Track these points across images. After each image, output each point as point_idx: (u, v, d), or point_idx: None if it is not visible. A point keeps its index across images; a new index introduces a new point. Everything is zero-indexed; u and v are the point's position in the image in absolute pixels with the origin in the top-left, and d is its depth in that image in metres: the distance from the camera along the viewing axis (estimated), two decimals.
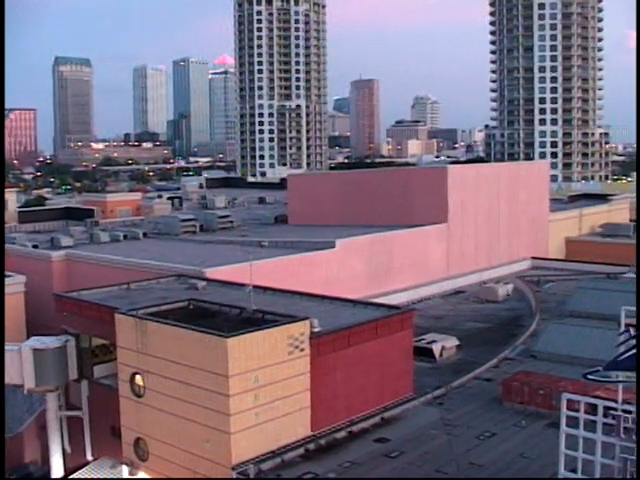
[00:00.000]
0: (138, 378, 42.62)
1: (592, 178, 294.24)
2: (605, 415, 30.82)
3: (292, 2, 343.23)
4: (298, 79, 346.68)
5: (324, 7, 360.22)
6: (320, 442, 40.26)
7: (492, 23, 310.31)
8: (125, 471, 43.81)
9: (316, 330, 40.95)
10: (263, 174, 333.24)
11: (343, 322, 44.64)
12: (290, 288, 54.31)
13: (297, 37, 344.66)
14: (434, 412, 45.28)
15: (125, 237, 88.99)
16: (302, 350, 39.92)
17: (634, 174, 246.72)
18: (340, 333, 42.69)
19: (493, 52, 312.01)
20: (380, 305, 52.12)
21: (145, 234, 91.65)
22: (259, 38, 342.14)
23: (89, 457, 47.70)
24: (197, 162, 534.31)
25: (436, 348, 57.26)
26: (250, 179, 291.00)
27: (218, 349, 37.34)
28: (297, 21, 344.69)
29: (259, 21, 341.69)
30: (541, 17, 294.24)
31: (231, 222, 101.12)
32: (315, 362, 40.46)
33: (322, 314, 44.70)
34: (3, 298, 51.40)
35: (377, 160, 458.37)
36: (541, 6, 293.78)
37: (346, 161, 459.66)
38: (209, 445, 38.10)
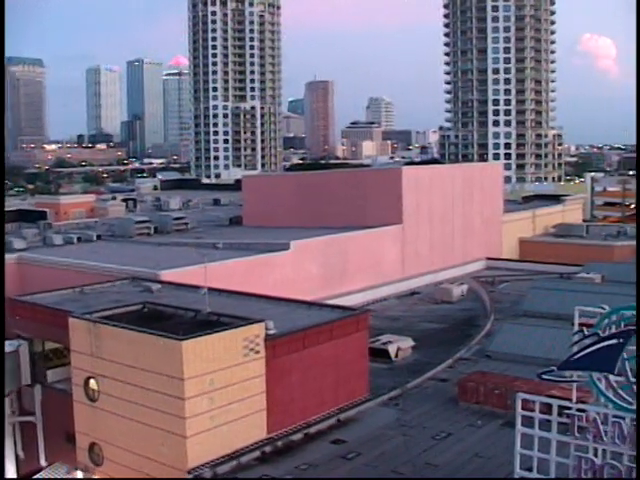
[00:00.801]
0: (92, 382, 42.19)
1: (545, 179, 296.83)
2: (560, 414, 31.05)
3: (247, 3, 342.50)
4: (253, 80, 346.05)
5: (279, 8, 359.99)
6: (276, 444, 40.14)
7: (446, 25, 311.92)
8: (80, 476, 43.34)
9: (271, 332, 40.84)
10: (218, 175, 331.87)
11: (298, 324, 44.55)
12: (245, 290, 54.11)
13: (252, 38, 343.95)
14: (390, 413, 45.33)
15: (79, 239, 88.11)
16: (257, 352, 39.77)
17: (586, 175, 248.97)
18: (295, 335, 42.62)
19: (447, 54, 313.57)
20: (335, 307, 52.13)
21: (99, 236, 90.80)
22: (213, 39, 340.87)
23: (43, 463, 47.12)
24: (151, 163, 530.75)
25: (392, 349, 57.33)
26: (205, 180, 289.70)
27: (173, 352, 37.09)
28: (252, 22, 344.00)
29: (213, 22, 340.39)
30: (495, 19, 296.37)
31: (186, 224, 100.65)
32: (271, 364, 40.33)
33: (277, 316, 44.57)
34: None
35: (332, 161, 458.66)
36: (495, 8, 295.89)
37: (301, 162, 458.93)
38: (164, 449, 37.82)
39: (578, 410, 30.75)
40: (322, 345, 43.77)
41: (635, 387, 29.68)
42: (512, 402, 36.51)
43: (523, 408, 32.02)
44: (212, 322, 42.13)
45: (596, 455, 30.28)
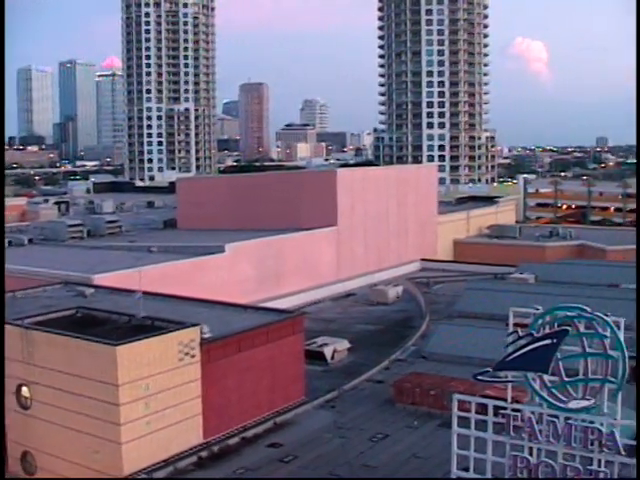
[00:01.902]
0: (24, 390, 41.46)
1: (479, 181, 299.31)
2: (495, 414, 31.28)
3: (181, 5, 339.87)
4: (187, 82, 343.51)
5: (213, 10, 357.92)
6: (213, 449, 39.88)
7: (381, 28, 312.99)
8: None
9: (207, 336, 40.56)
10: (152, 178, 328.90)
11: (234, 327, 44.38)
12: (180, 294, 53.70)
13: (186, 40, 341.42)
14: (327, 415, 45.32)
15: (10, 243, 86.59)
16: (193, 357, 39.47)
17: (519, 176, 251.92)
18: (231, 339, 42.42)
19: (382, 56, 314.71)
20: (271, 310, 52.03)
21: (31, 240, 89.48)
22: (147, 40, 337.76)
23: None
24: (84, 166, 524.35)
25: (327, 351, 57.35)
26: (138, 183, 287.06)
27: (107, 357, 36.62)
28: (186, 23, 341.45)
29: (147, 23, 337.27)
30: (429, 23, 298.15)
31: (119, 227, 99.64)
32: (206, 368, 40.06)
33: (213, 320, 44.30)
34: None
35: (267, 163, 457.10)
36: (429, 12, 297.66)
37: (235, 164, 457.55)
38: (99, 456, 37.30)
39: (513, 410, 31.02)
40: (258, 348, 43.63)
41: (569, 387, 30.05)
42: (448, 403, 36.71)
43: (459, 409, 32.20)
44: (147, 327, 41.69)
45: (531, 454, 30.59)
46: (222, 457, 39.49)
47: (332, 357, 57.46)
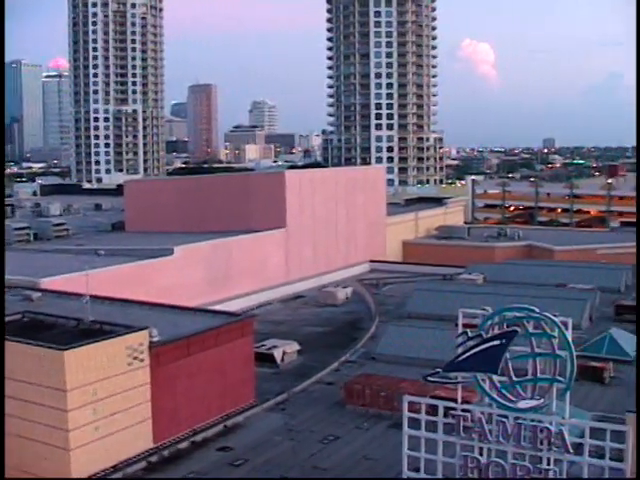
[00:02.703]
0: None
1: (427, 182, 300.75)
2: (445, 415, 31.43)
3: (129, 5, 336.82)
4: (135, 83, 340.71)
5: (161, 10, 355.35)
6: (163, 454, 39.57)
7: (329, 29, 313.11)
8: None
9: (155, 340, 40.21)
10: (99, 180, 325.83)
11: (183, 331, 44.02)
12: (128, 297, 53.24)
13: (134, 40, 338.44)
14: (277, 418, 45.22)
15: None
16: (142, 361, 39.11)
17: (467, 177, 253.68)
18: (180, 342, 42.10)
19: (330, 58, 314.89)
20: (220, 312, 51.80)
21: None
22: (94, 41, 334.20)
23: None
24: (30, 168, 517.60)
25: (277, 353, 57.21)
26: (86, 185, 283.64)
27: (54, 362, 36.15)
28: (134, 24, 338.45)
29: (94, 23, 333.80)
30: (377, 24, 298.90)
31: (66, 230, 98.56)
32: (155, 372, 39.72)
33: (161, 323, 43.91)
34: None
35: (215, 165, 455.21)
36: (377, 14, 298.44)
37: (184, 166, 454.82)
38: (47, 463, 36.78)
39: (463, 410, 31.18)
40: (207, 351, 43.37)
41: (518, 387, 30.28)
42: (398, 404, 36.83)
43: (409, 410, 32.31)
44: (95, 331, 41.23)
45: (481, 454, 30.80)
46: (172, 462, 39.23)
47: (282, 359, 57.32)
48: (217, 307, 62.86)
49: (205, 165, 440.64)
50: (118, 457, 37.86)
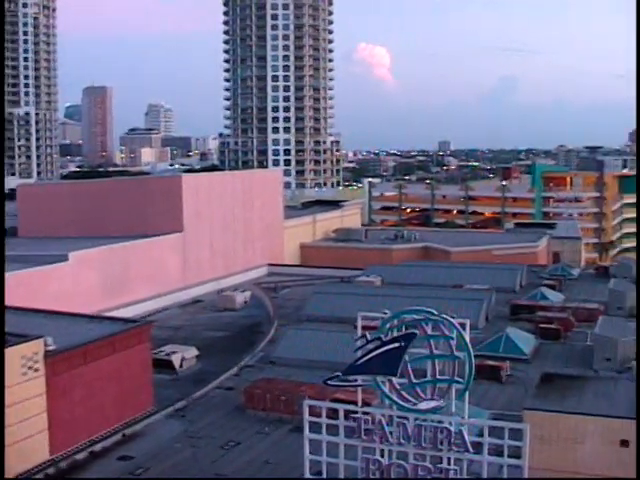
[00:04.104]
0: None
1: (324, 185, 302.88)
2: (346, 418, 31.50)
3: (20, 4, 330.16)
4: (27, 85, 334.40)
5: (54, 10, 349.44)
6: (60, 465, 38.63)
7: (226, 32, 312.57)
8: None
9: (51, 348, 39.26)
10: None
11: (79, 338, 43.15)
12: (22, 305, 51.91)
13: (25, 41, 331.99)
14: (177, 425, 44.67)
15: None
16: (37, 370, 38.15)
17: (364, 180, 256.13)
18: (76, 350, 41.25)
19: (227, 61, 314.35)
20: (117, 319, 51.01)
21: None
22: None
23: None
24: None
25: (176, 359, 56.59)
26: None
27: None
28: (25, 24, 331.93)
29: None
30: (274, 28, 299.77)
31: None
32: (51, 382, 38.80)
33: (57, 331, 42.92)
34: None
35: (111, 169, 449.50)
36: (274, 17, 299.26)
37: (78, 170, 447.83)
38: None
39: (364, 413, 31.29)
40: (104, 359, 42.62)
41: (418, 388, 30.53)
42: (299, 407, 36.73)
43: (310, 414, 32.28)
44: None
45: (383, 456, 30.95)
46: (70, 473, 38.32)
47: (180, 365, 56.75)
48: (114, 313, 62.00)
49: (100, 169, 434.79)
50: (14, 470, 36.80)
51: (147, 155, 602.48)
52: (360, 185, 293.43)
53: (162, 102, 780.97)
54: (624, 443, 33.10)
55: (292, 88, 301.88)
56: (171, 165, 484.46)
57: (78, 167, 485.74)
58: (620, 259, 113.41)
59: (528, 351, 55.41)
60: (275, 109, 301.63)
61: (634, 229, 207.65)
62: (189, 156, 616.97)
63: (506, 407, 43.15)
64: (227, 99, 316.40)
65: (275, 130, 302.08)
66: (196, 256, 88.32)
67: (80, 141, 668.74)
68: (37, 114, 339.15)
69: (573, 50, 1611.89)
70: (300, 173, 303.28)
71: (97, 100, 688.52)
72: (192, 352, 58.70)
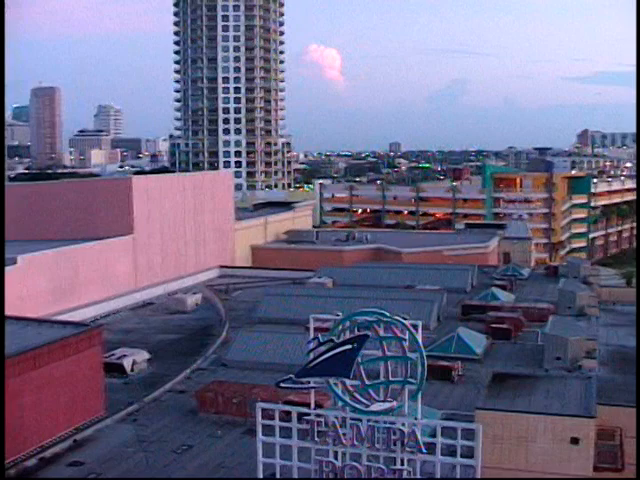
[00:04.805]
0: None
1: (275, 186, 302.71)
2: (299, 420, 31.47)
3: None
4: None
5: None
6: (9, 473, 38.07)
7: (176, 33, 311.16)
8: None
9: None
10: None
11: (28, 343, 42.59)
12: None
13: None
14: (128, 429, 44.23)
15: None
16: None
17: (315, 181, 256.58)
18: (26, 355, 40.70)
19: (177, 62, 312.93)
20: (67, 323, 50.52)
21: None
22: None
23: None
24: None
25: (127, 363, 56.09)
26: None
27: None
28: None
29: None
30: (225, 28, 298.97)
31: None
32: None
33: (6, 336, 42.38)
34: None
35: (60, 171, 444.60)
36: (225, 18, 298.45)
37: (27, 172, 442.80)
38: None
39: (317, 415, 31.26)
40: (54, 364, 42.09)
41: (371, 390, 30.56)
42: (251, 410, 36.64)
43: (263, 416, 32.17)
44: None
45: (336, 458, 30.94)
46: None
47: (132, 369, 56.24)
48: (64, 317, 61.37)
49: (49, 171, 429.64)
50: None
51: (97, 157, 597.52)
52: (311, 186, 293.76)
53: (112, 103, 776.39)
54: (574, 441, 33.50)
55: (243, 89, 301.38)
56: (121, 167, 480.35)
57: (26, 169, 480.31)
58: (569, 259, 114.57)
59: (479, 351, 55.76)
60: (226, 110, 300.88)
61: (583, 229, 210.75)
62: (139, 158, 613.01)
63: (458, 407, 43.42)
64: (178, 100, 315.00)
65: (226, 131, 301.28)
66: (147, 258, 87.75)
67: (28, 142, 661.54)
68: None
69: (523, 53, 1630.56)
70: (251, 175, 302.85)
71: (46, 101, 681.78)
72: (143, 355, 58.23)
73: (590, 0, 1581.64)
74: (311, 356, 31.25)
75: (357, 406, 30.64)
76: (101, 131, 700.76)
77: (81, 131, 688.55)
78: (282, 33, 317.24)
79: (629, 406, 39.29)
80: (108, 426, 44.67)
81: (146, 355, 58.46)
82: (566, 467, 33.60)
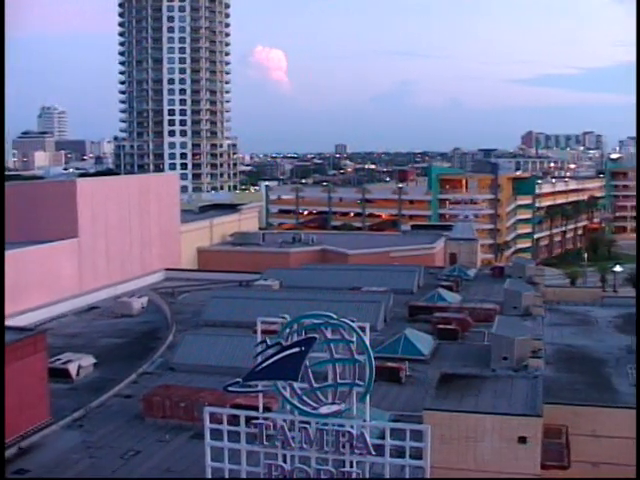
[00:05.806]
0: None
1: (221, 188, 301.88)
2: (247, 423, 31.36)
3: None
4: None
5: None
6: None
7: (121, 34, 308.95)
8: None
9: None
10: None
11: None
12: None
13: None
14: (74, 435, 43.74)
15: None
16: None
17: (261, 183, 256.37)
18: None
19: (122, 63, 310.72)
20: (10, 328, 49.59)
21: None
22: None
23: None
24: None
25: (72, 368, 55.45)
26: None
27: None
28: None
29: None
30: (170, 30, 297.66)
31: None
32: None
33: None
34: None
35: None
36: (170, 19, 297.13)
37: None
38: None
39: (265, 419, 31.17)
40: None
41: (319, 393, 30.54)
42: (199, 414, 36.45)
43: (211, 420, 32.01)
44: None
45: (285, 461, 30.88)
46: None
47: (77, 374, 55.63)
48: (7, 322, 60.37)
49: None
50: None
51: (40, 159, 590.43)
52: (257, 188, 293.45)
53: (56, 104, 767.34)
54: (522, 440, 33.82)
55: (188, 91, 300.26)
56: (65, 169, 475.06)
57: None
58: (515, 259, 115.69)
59: (427, 352, 56.00)
60: (171, 112, 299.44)
61: (528, 230, 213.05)
62: (84, 160, 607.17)
63: (406, 408, 43.55)
64: (122, 102, 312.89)
65: (171, 133, 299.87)
66: (92, 262, 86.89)
67: None
68: None
69: (469, 55, 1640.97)
70: (197, 177, 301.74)
71: None
72: (89, 360, 57.63)
73: (535, 3, 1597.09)
74: (259, 359, 31.14)
75: (305, 409, 30.59)
76: (45, 133, 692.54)
77: (24, 133, 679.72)
78: (228, 35, 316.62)
79: (574, 404, 39.82)
80: (54, 432, 44.10)
81: (92, 360, 57.85)
82: (514, 466, 33.91)
